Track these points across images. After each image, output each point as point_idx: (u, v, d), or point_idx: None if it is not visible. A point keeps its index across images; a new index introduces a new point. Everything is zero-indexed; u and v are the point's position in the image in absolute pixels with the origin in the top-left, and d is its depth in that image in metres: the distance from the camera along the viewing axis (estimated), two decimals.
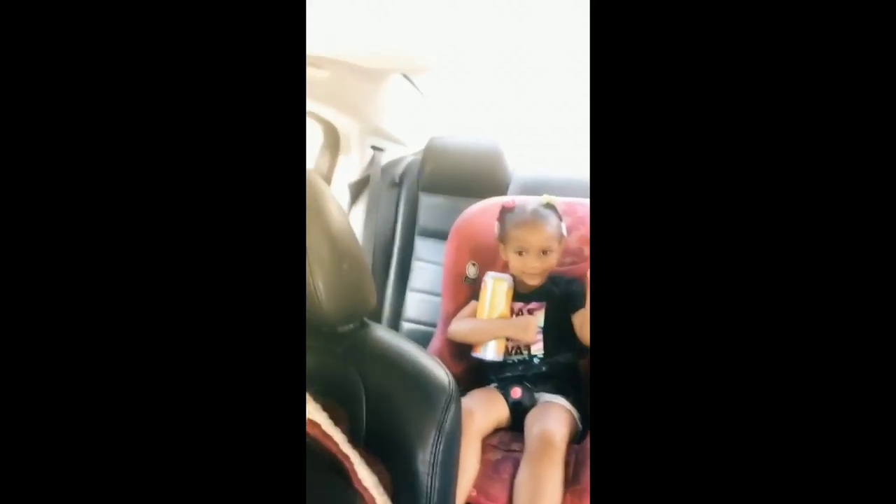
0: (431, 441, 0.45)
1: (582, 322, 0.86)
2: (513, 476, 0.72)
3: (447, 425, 0.46)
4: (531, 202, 0.93)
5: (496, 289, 0.90)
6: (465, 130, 1.40)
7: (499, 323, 0.89)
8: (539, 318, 0.89)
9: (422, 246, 1.29)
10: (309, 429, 0.38)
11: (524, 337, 0.87)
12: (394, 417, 0.46)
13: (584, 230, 0.98)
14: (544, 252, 0.88)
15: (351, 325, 0.50)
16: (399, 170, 1.36)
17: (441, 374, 0.48)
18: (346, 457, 0.39)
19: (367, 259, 1.24)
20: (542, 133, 1.44)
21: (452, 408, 0.47)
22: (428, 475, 0.44)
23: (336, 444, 0.39)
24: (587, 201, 1.00)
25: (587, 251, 0.98)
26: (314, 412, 0.39)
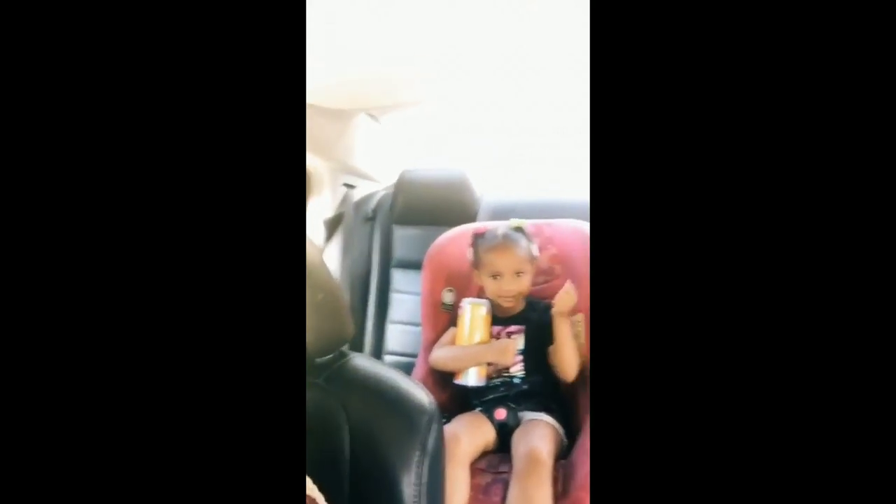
0: (415, 462, 0.45)
1: (554, 356, 0.89)
2: (503, 498, 0.72)
3: (430, 445, 0.47)
4: (501, 227, 0.96)
5: (474, 314, 0.92)
6: (434, 162, 1.44)
7: (478, 348, 0.90)
8: (519, 342, 0.91)
9: (399, 278, 1.31)
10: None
11: (503, 360, 0.88)
12: (377, 442, 0.46)
13: (554, 249, 1.02)
14: (518, 274, 0.91)
15: (329, 356, 0.51)
16: (372, 204, 1.38)
17: (421, 395, 0.49)
18: None
19: (345, 293, 1.24)
20: (511, 158, 1.50)
21: (434, 427, 0.47)
22: (415, 497, 0.45)
23: None
24: (554, 222, 1.04)
25: (558, 269, 1.01)
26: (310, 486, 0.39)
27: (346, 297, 0.56)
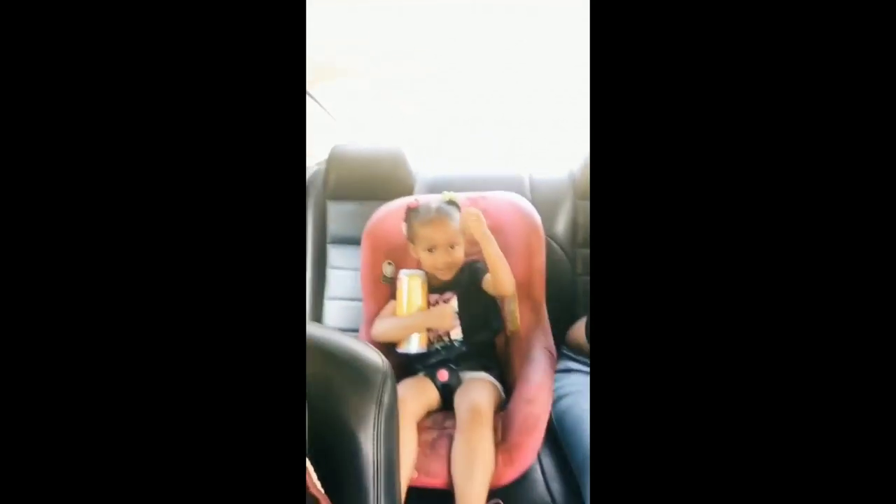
0: (373, 416, 0.48)
1: (491, 281, 0.93)
2: (449, 451, 0.77)
3: (385, 400, 0.50)
4: (434, 200, 0.99)
5: (411, 285, 0.95)
6: (367, 137, 1.42)
7: (417, 317, 0.93)
8: (453, 305, 0.96)
9: (335, 254, 1.30)
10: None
11: (442, 325, 0.93)
12: (336, 401, 0.49)
13: (488, 221, 1.07)
14: (452, 246, 0.95)
15: None
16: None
17: (374, 355, 0.52)
18: (323, 495, 0.40)
19: None
20: (446, 133, 1.52)
21: (389, 384, 0.51)
22: (373, 448, 0.48)
23: (314, 484, 0.40)
24: (489, 194, 1.09)
25: None
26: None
27: None
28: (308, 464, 0.41)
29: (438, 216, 0.95)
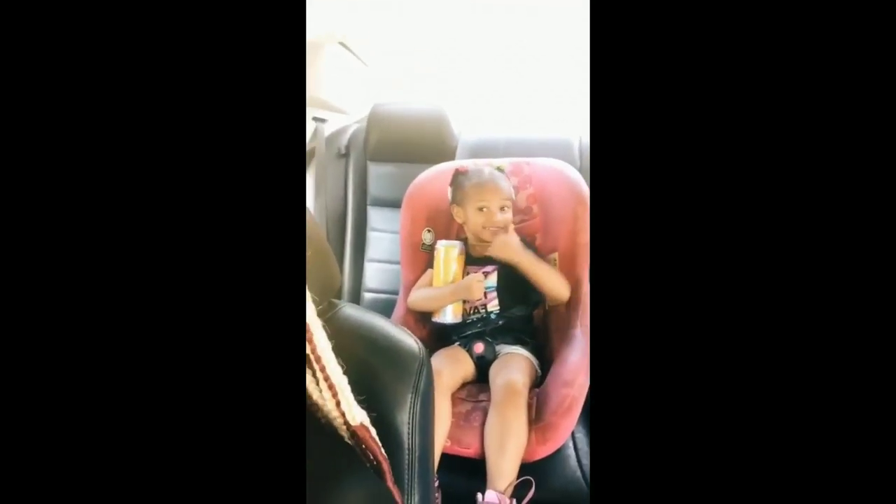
0: (409, 403, 0.49)
1: (545, 293, 0.92)
2: (483, 424, 0.78)
3: (422, 387, 0.50)
4: (486, 166, 0.98)
5: (448, 255, 0.94)
6: (408, 95, 1.37)
7: (448, 289, 0.93)
8: (491, 279, 0.94)
9: (375, 216, 1.29)
10: (360, 432, 0.40)
11: (472, 296, 0.92)
12: (373, 386, 0.49)
13: (532, 189, 1.03)
14: (502, 209, 0.94)
15: (320, 307, 0.52)
16: (344, 140, 1.33)
17: (411, 342, 0.51)
18: (385, 458, 0.41)
19: (323, 233, 1.23)
20: (491, 94, 1.45)
21: (424, 371, 0.51)
22: (408, 433, 0.48)
23: (379, 449, 0.41)
24: (533, 160, 1.04)
25: (535, 209, 1.03)
26: (366, 420, 0.41)
27: (329, 248, 0.57)
28: (372, 429, 0.41)
29: (491, 178, 0.95)
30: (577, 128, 1.20)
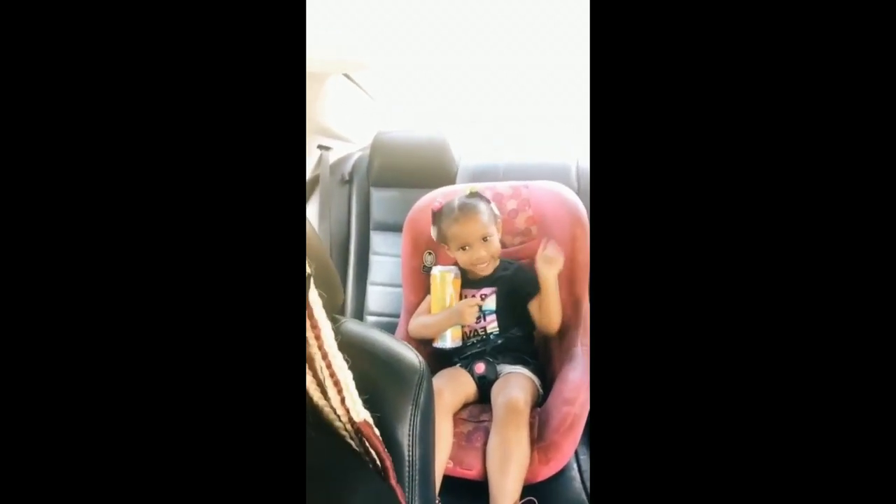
0: (409, 416, 0.49)
1: (539, 308, 0.91)
2: (485, 444, 0.77)
3: (422, 400, 0.50)
4: (456, 196, 0.97)
5: (443, 280, 0.95)
6: (410, 124, 1.42)
7: (443, 315, 0.93)
8: (490, 302, 0.95)
9: (378, 240, 1.31)
10: (364, 429, 0.40)
11: (463, 321, 0.92)
12: (374, 399, 0.50)
13: (531, 211, 1.04)
14: (485, 239, 0.92)
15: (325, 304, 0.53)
16: (348, 167, 1.36)
17: (411, 355, 0.52)
18: (388, 456, 0.42)
19: (326, 249, 1.24)
20: (490, 120, 1.48)
21: (425, 385, 0.51)
22: (408, 447, 0.49)
23: (382, 445, 0.41)
24: (532, 183, 1.06)
25: (534, 230, 1.04)
26: (369, 418, 0.41)
27: (332, 263, 0.58)
28: (376, 428, 0.41)
29: (463, 212, 0.92)
30: (574, 152, 1.24)
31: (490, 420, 0.80)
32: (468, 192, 0.97)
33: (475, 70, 1.28)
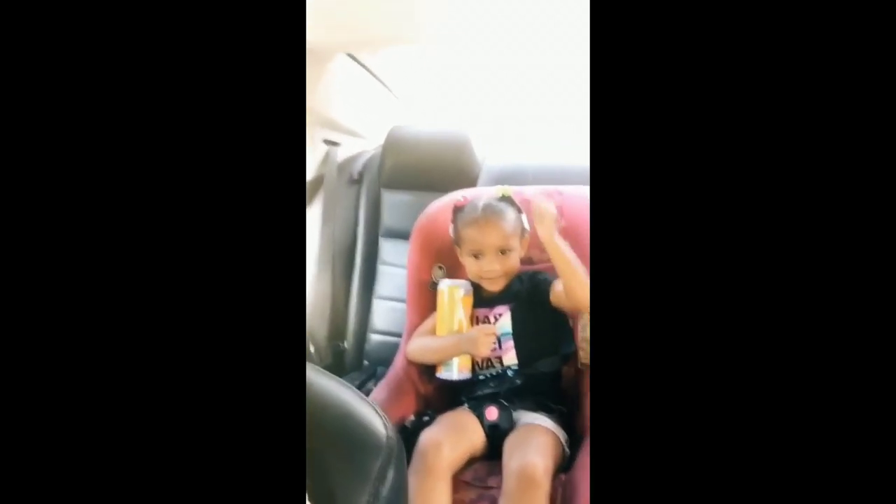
0: None
1: (565, 290, 0.74)
2: None
3: (384, 492, 0.35)
4: (484, 196, 0.83)
5: (452, 296, 0.81)
6: (430, 117, 1.30)
7: (452, 339, 0.80)
8: (504, 323, 0.80)
9: (387, 248, 1.19)
10: None
11: (477, 351, 0.78)
12: (327, 472, 0.35)
13: (563, 222, 0.88)
14: (503, 252, 0.79)
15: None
16: (358, 166, 1.25)
17: (377, 428, 0.37)
18: None
19: (328, 265, 1.13)
20: (519, 115, 1.35)
21: (391, 473, 0.36)
22: None
23: None
24: (566, 189, 0.91)
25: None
26: None
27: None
28: None
29: (485, 216, 0.79)
30: None
31: (499, 487, 0.65)
32: (500, 194, 0.83)
33: (504, 58, 1.13)
